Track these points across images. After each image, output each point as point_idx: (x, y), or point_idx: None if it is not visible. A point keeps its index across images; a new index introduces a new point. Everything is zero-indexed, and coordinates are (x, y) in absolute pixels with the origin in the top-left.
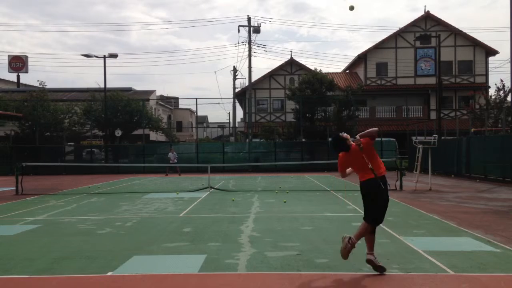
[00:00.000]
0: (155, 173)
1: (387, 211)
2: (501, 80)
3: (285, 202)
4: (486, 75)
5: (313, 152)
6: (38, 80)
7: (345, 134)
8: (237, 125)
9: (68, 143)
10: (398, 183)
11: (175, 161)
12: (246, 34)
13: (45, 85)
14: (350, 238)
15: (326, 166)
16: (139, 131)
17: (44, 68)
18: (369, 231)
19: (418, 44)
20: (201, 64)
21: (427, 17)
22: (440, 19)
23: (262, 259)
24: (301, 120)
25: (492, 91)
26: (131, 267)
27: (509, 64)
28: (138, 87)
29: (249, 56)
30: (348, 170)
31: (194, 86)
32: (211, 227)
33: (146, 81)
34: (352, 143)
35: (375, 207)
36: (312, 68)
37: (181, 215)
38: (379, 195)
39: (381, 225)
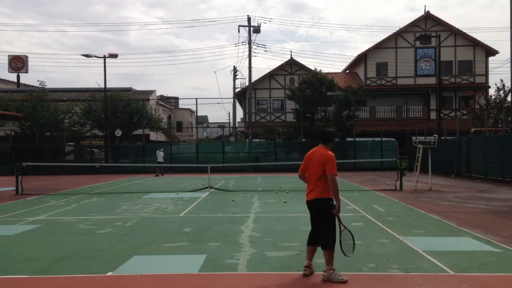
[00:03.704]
0: (155, 173)
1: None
2: (501, 80)
3: (285, 202)
4: (486, 75)
5: None
6: (38, 80)
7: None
8: (237, 125)
9: (68, 143)
10: (398, 183)
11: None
12: (246, 34)
13: (45, 85)
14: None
15: None
16: (139, 131)
17: (43, 68)
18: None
19: (418, 44)
20: (201, 64)
21: (427, 17)
22: (440, 19)
23: (262, 259)
24: (301, 120)
25: (492, 91)
26: (131, 267)
27: (509, 64)
28: (138, 87)
29: (249, 56)
30: None
31: (194, 86)
32: (211, 227)
33: (145, 81)
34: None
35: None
36: (312, 68)
37: (181, 215)
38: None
39: (381, 225)
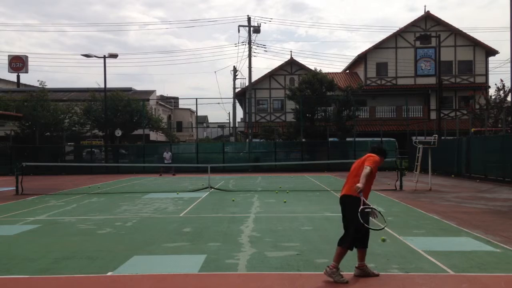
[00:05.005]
0: (155, 173)
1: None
2: (501, 80)
3: (285, 202)
4: (486, 75)
5: (313, 152)
6: (38, 80)
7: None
8: (237, 125)
9: (68, 143)
10: (398, 183)
11: (170, 161)
12: (246, 34)
13: (45, 85)
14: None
15: (326, 166)
16: (139, 131)
17: (43, 68)
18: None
19: (418, 44)
20: (201, 64)
21: (427, 17)
22: (440, 19)
23: (262, 259)
24: (301, 120)
25: (492, 91)
26: (131, 267)
27: (509, 64)
28: (138, 87)
29: (249, 56)
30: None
31: (194, 86)
32: (211, 227)
33: (145, 81)
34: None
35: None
36: (312, 68)
37: (181, 215)
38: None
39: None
